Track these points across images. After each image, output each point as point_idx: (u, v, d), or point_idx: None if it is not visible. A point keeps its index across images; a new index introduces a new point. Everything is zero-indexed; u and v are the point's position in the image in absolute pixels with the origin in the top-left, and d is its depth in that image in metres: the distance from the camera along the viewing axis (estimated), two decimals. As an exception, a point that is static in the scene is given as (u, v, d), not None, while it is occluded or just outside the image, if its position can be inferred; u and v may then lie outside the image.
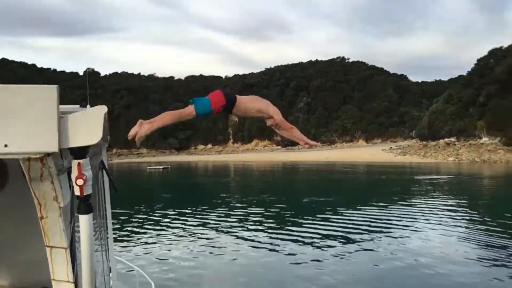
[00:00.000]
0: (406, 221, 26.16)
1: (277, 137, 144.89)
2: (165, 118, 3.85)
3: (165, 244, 21.41)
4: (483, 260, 17.31)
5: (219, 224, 26.86)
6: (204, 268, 17.30)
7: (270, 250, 19.84)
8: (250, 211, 31.84)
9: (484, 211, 30.49)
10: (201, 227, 25.77)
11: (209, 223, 27.08)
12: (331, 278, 15.49)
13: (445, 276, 15.38)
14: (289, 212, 30.96)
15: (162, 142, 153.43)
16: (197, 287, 15.00)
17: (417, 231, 23.42)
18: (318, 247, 19.97)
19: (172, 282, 15.39)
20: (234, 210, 32.61)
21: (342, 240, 21.21)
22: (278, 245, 20.62)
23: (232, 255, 19.02)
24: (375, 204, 33.10)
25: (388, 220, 26.36)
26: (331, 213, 29.32)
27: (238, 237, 22.87)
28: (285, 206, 33.97)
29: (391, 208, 31.09)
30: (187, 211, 31.81)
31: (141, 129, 3.65)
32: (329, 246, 20.07)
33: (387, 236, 21.94)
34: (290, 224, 26.33)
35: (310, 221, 26.27)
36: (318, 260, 17.63)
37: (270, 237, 22.48)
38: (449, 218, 27.28)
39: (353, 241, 20.90)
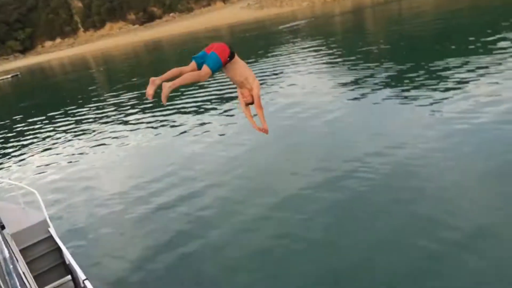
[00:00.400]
0: (277, 70, 27.32)
1: (130, 15, 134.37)
2: (186, 78, 4.27)
3: (41, 154, 19.97)
4: (345, 87, 19.20)
5: (95, 118, 25.52)
6: (89, 165, 16.74)
7: (150, 128, 19.68)
8: (122, 98, 30.51)
9: (341, 45, 33.05)
10: (76, 127, 24.31)
11: (84, 120, 25.60)
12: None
13: (311, 105, 16.87)
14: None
15: (0, 48, 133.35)
16: (79, 183, 14.60)
17: (288, 76, 24.75)
18: (192, 113, 20.27)
19: (52, 185, 15.02)
20: (107, 101, 30.98)
21: (218, 102, 21.72)
22: (163, 125, 20.45)
23: (114, 147, 18.58)
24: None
25: (261, 71, 27.23)
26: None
27: (115, 124, 22.21)
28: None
29: (262, 62, 31.99)
30: (55, 113, 29.43)
31: (164, 90, 4.18)
32: (196, 113, 20.47)
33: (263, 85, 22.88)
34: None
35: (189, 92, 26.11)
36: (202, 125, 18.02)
37: (150, 118, 22.10)
38: (313, 58, 29.06)
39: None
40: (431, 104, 14.39)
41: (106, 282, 8.46)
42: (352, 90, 18.66)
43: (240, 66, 4.59)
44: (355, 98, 17.34)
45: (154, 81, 4.22)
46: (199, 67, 4.41)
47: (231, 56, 4.48)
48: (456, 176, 9.68)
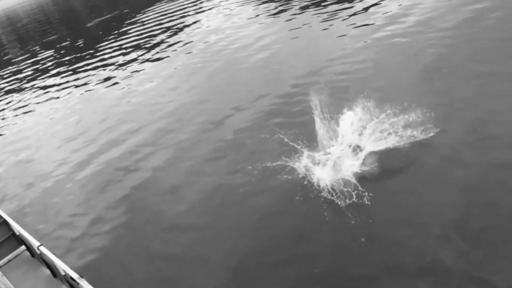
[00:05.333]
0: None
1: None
2: None
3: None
4: (264, 14, 19.04)
5: (12, 84, 23.73)
6: (19, 136, 15.86)
7: (76, 85, 18.72)
8: (40, 57, 28.39)
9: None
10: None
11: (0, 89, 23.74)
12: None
13: (237, 37, 16.73)
14: None
15: None
16: (13, 156, 13.92)
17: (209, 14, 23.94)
18: (119, 64, 19.44)
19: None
20: (22, 63, 28.70)
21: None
22: (91, 80, 19.43)
23: (42, 112, 17.60)
24: None
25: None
26: None
27: (38, 87, 20.87)
28: None
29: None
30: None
31: None
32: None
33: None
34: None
35: None
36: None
37: (75, 76, 20.91)
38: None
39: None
40: (349, 17, 14.76)
41: (60, 246, 8.38)
42: (276, 15, 18.57)
43: None
44: (280, 24, 17.31)
45: None
46: None
47: None
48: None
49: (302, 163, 7.92)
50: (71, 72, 21.46)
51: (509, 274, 5.23)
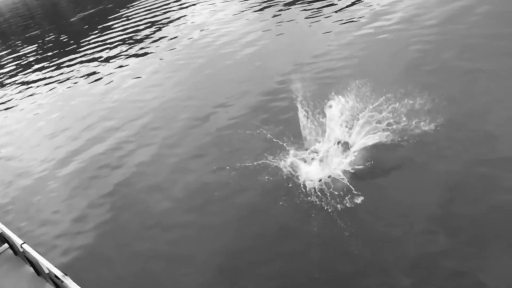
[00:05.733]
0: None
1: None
2: None
3: None
4: (250, 11, 19.01)
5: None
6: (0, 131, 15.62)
7: (59, 81, 18.47)
8: (22, 53, 27.89)
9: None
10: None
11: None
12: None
13: (222, 33, 16.69)
14: None
15: None
16: None
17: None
18: (103, 59, 19.20)
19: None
20: (2, 59, 28.17)
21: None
22: (73, 76, 19.20)
23: (24, 107, 17.31)
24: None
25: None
26: None
27: (20, 82, 20.51)
28: None
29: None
30: None
31: None
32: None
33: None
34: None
35: None
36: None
37: (58, 71, 20.61)
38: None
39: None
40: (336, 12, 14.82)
41: (43, 244, 8.28)
42: (261, 11, 18.54)
43: None
44: (265, 20, 17.30)
45: None
46: None
47: None
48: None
49: (288, 160, 7.93)
50: (54, 68, 21.15)
51: (493, 269, 5.31)
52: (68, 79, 18.57)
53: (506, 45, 9.65)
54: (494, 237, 5.67)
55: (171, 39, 19.16)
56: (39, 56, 24.91)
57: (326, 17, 15.11)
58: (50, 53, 24.46)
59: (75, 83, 17.75)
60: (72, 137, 12.69)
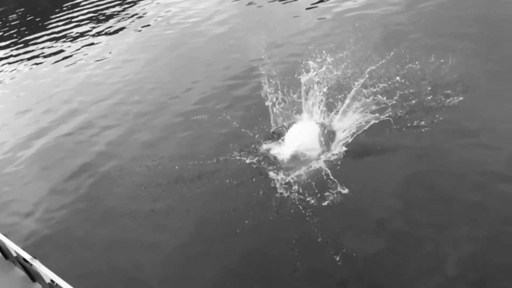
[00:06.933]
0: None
1: None
2: None
3: None
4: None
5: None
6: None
7: (23, 60, 17.82)
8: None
9: None
10: None
11: None
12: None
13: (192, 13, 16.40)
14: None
15: None
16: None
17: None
18: (71, 37, 18.59)
19: None
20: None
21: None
22: (40, 54, 18.54)
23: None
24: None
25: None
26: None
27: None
28: None
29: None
30: None
31: None
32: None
33: None
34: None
35: None
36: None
37: (21, 50, 19.86)
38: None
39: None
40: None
41: (8, 226, 8.04)
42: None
43: None
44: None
45: None
46: None
47: None
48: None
49: (261, 147, 7.83)
50: (20, 45, 20.34)
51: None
52: (33, 57, 17.92)
53: (471, 23, 9.87)
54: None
55: (141, 16, 18.71)
56: (3, 34, 23.91)
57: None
58: (15, 31, 23.51)
59: (41, 62, 17.13)
60: (36, 117, 12.31)
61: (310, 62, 8.32)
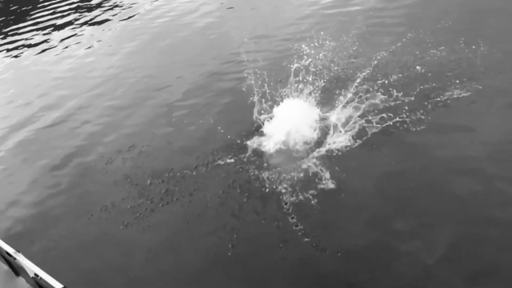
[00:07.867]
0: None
1: None
2: None
3: None
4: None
5: None
6: None
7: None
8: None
9: None
10: None
11: None
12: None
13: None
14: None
15: None
16: None
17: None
18: (51, 27, 18.26)
19: None
20: None
21: None
22: (18, 45, 18.13)
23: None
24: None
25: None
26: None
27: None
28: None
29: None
30: None
31: None
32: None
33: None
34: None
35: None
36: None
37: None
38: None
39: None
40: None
41: (5, 231, 7.86)
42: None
43: None
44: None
45: None
46: None
47: None
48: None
49: (250, 143, 7.74)
50: (1, 36, 19.88)
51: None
52: (16, 48, 17.51)
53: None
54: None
55: (126, 8, 18.40)
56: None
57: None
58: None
59: (24, 52, 16.77)
60: (20, 108, 12.06)
61: (304, 49, 8.29)
